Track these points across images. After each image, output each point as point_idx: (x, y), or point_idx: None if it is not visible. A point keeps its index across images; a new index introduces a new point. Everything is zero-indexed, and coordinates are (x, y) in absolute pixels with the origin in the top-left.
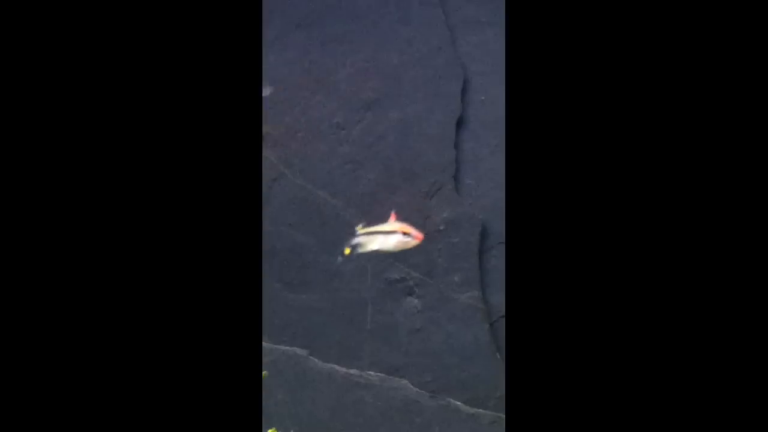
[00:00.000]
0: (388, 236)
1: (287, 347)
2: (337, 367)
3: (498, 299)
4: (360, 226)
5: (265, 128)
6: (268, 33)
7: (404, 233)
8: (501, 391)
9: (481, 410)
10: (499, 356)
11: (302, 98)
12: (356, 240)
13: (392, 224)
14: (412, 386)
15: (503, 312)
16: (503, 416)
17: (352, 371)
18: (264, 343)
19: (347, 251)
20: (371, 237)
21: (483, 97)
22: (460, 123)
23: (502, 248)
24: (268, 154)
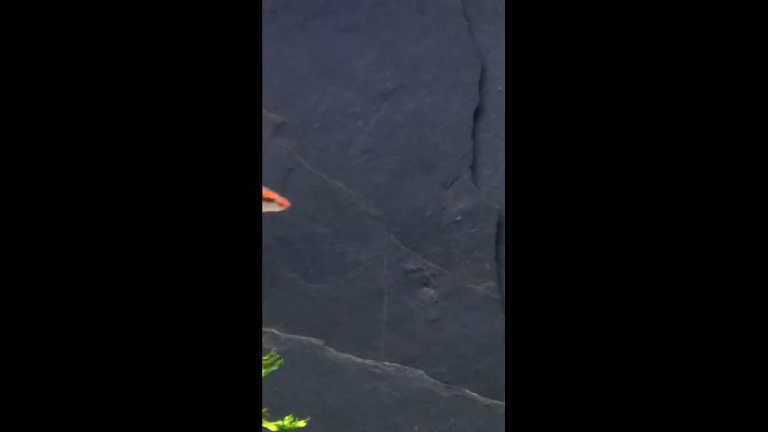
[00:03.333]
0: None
1: (303, 337)
2: (353, 357)
3: None
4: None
5: (281, 118)
6: (286, 22)
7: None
8: None
9: (497, 401)
10: None
11: (318, 88)
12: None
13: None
14: (427, 376)
15: None
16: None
17: (367, 361)
18: (279, 333)
19: None
20: None
21: (500, 88)
22: (477, 113)
23: None
24: (284, 143)
